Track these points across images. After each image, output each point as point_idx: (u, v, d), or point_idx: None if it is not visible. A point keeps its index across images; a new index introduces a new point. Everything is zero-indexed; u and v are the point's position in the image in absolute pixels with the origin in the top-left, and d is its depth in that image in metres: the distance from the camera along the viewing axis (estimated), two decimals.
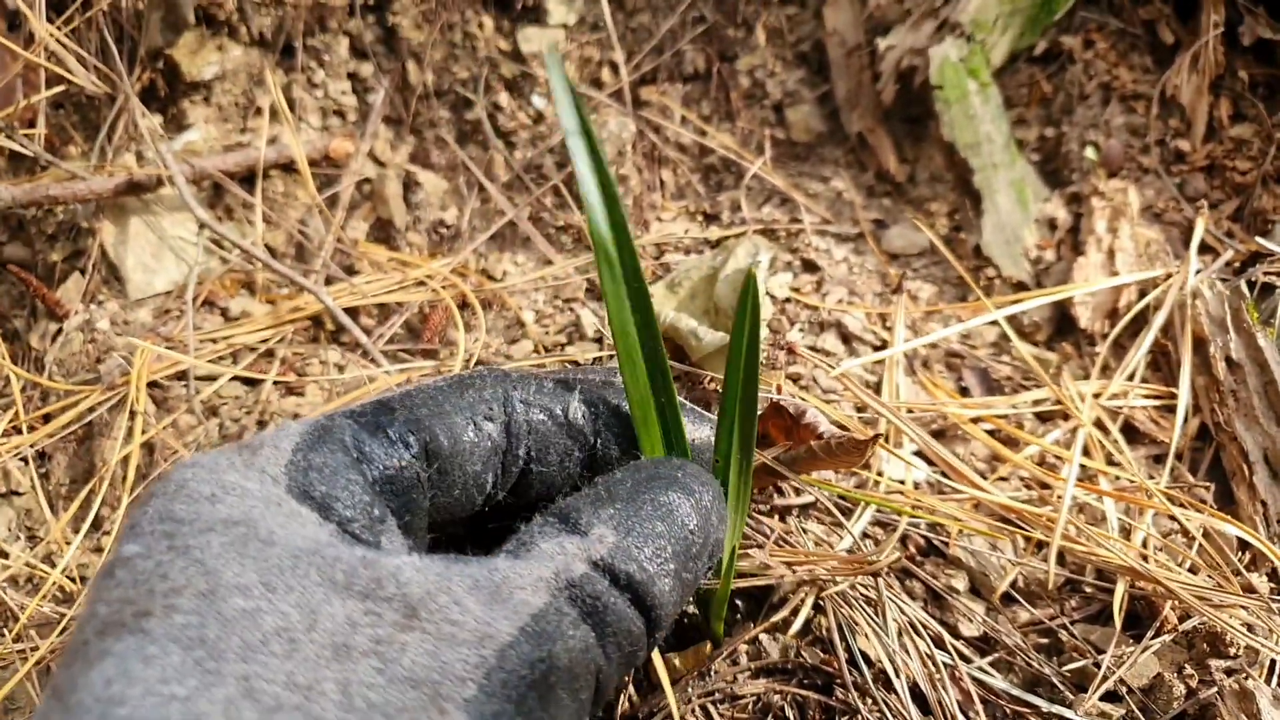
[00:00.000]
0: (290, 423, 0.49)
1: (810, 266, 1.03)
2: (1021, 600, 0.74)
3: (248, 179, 1.18)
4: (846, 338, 0.92)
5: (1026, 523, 0.73)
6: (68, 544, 0.96)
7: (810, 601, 0.68)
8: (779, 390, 0.84)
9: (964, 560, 0.74)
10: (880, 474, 0.79)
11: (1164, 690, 0.68)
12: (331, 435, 0.48)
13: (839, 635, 0.68)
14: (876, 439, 0.70)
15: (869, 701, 0.66)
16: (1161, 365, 0.89)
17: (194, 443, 0.98)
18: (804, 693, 0.67)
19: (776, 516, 0.76)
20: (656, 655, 0.66)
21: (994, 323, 0.95)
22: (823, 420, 0.78)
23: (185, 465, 0.45)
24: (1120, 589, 0.70)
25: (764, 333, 0.91)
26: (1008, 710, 0.68)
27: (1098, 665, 0.69)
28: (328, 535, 0.43)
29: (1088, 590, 0.74)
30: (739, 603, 0.72)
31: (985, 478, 0.79)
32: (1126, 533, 0.75)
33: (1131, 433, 0.85)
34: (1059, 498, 0.75)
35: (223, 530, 0.40)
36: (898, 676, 0.66)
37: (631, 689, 0.70)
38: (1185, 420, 0.85)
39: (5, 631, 0.88)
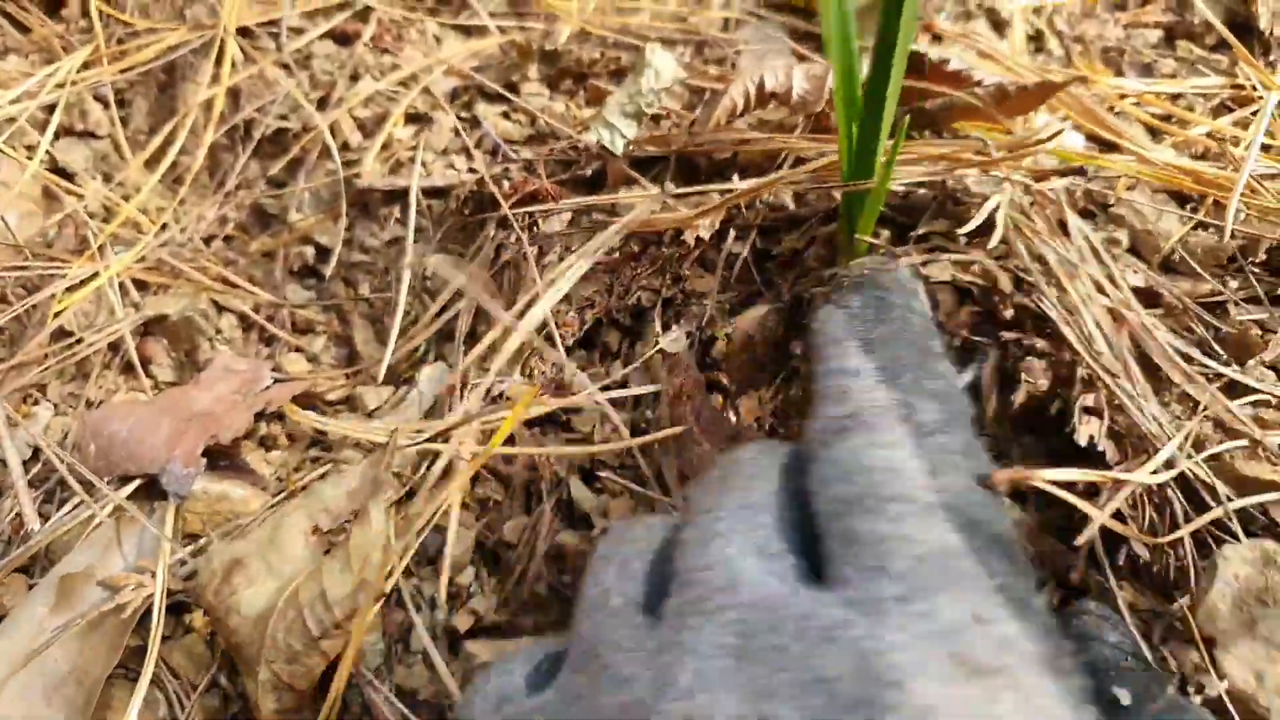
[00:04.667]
0: None
1: None
2: (1183, 272, 0.68)
3: None
4: (999, 24, 0.85)
5: (1203, 184, 0.66)
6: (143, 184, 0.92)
7: (994, 210, 0.61)
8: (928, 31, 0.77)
9: (1127, 218, 0.67)
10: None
11: None
12: None
13: (1013, 248, 0.61)
14: (1074, 81, 0.63)
15: (1040, 331, 0.60)
16: None
17: (284, 93, 0.93)
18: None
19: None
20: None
21: (1157, 24, 0.86)
22: (975, 72, 0.71)
23: None
24: None
25: None
26: (1172, 364, 0.62)
27: (1266, 336, 0.63)
28: None
29: (1255, 271, 0.68)
30: (882, 230, 0.66)
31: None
32: None
33: None
34: (1235, 168, 0.68)
35: None
36: (1081, 309, 0.60)
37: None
38: None
39: (91, 241, 0.85)
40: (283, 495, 0.73)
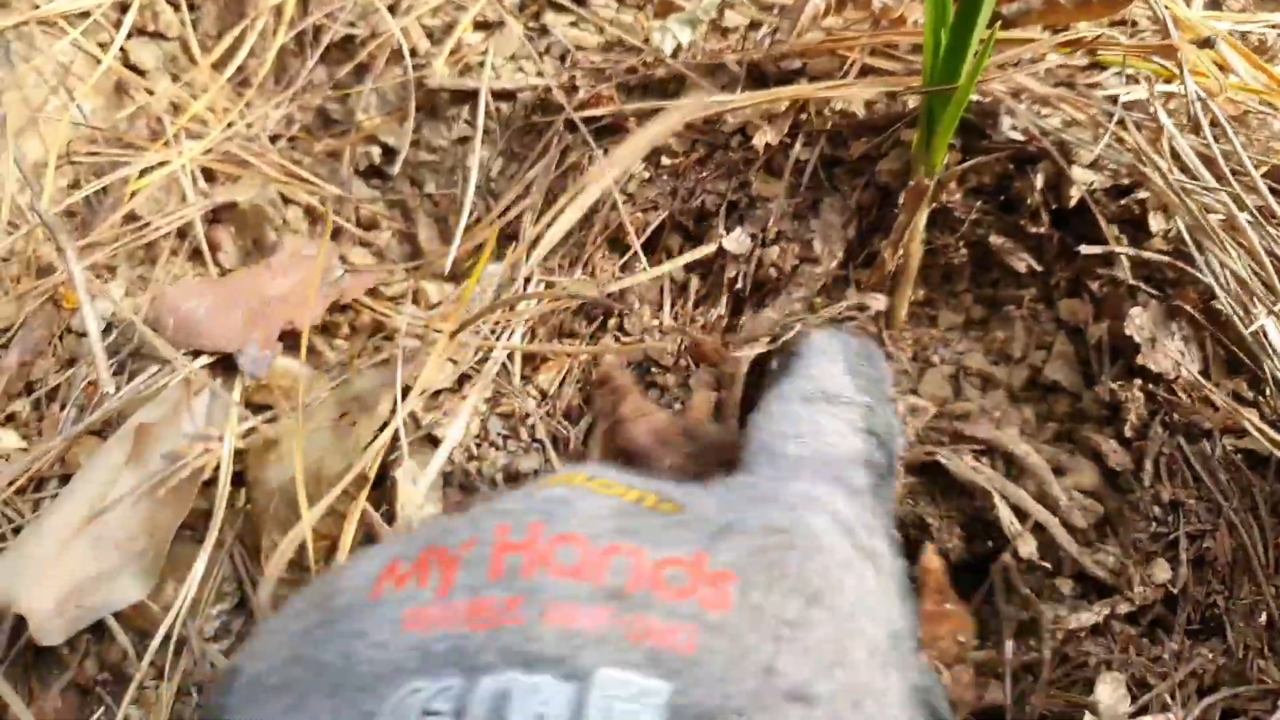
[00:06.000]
0: None
1: None
2: None
3: None
4: None
5: None
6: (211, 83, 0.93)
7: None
8: None
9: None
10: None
11: None
12: None
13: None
14: None
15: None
16: None
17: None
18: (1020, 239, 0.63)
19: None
20: None
21: None
22: None
23: None
24: None
25: None
26: None
27: None
28: None
29: None
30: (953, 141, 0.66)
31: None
32: None
33: None
34: None
35: None
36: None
37: None
38: None
39: (166, 128, 0.86)
40: (344, 380, 0.74)
